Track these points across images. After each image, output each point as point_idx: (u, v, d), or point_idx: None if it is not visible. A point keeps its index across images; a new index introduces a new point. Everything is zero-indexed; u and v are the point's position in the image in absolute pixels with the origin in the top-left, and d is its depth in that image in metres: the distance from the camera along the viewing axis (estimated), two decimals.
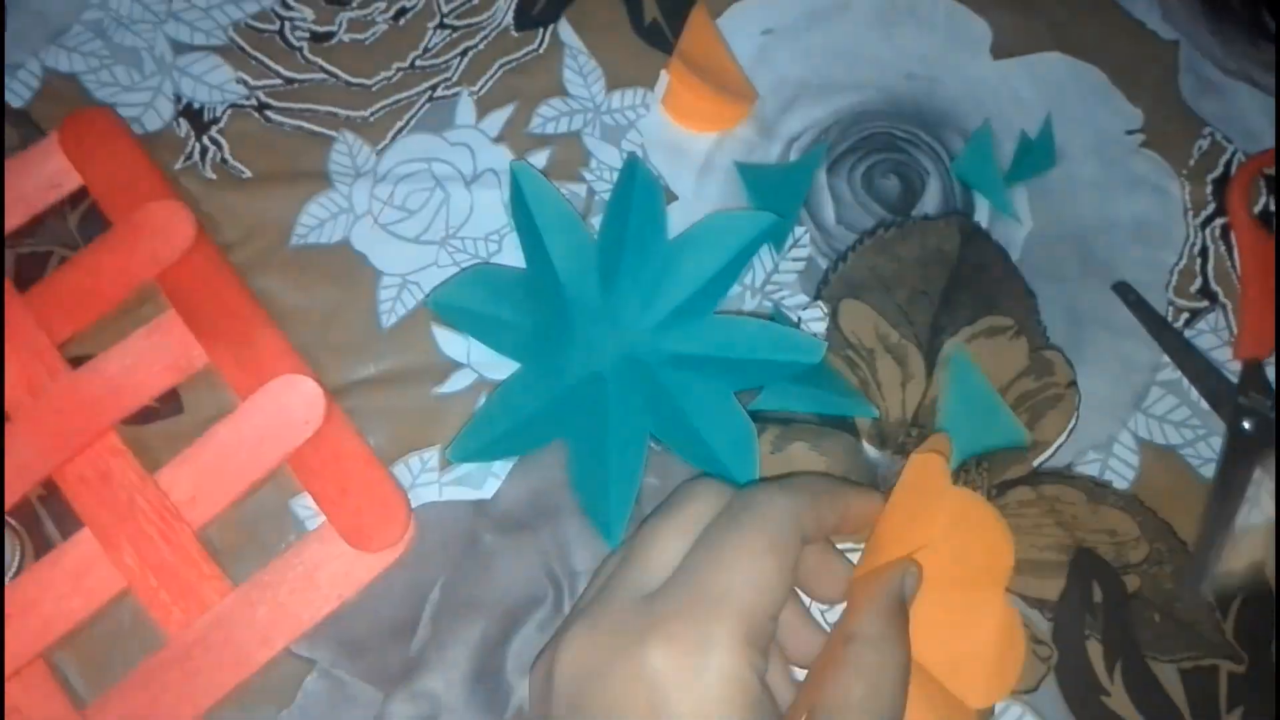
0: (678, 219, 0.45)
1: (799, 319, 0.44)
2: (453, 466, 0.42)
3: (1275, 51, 0.49)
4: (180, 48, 0.47)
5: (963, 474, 0.42)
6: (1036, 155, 0.46)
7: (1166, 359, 0.44)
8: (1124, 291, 0.45)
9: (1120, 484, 0.43)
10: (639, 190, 0.43)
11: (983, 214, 0.46)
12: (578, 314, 0.42)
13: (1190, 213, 0.47)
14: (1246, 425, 0.43)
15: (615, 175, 0.45)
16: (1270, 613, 0.42)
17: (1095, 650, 0.41)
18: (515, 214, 0.44)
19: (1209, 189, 0.48)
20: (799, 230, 0.45)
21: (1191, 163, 0.48)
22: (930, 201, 0.46)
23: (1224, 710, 0.40)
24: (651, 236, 0.43)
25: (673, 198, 0.45)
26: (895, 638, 0.33)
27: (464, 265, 0.44)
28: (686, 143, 0.46)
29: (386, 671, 0.40)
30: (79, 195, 0.44)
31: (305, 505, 0.41)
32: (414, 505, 0.41)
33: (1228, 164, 0.48)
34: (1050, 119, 0.47)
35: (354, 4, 0.48)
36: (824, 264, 0.45)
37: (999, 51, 0.49)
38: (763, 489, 0.34)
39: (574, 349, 0.42)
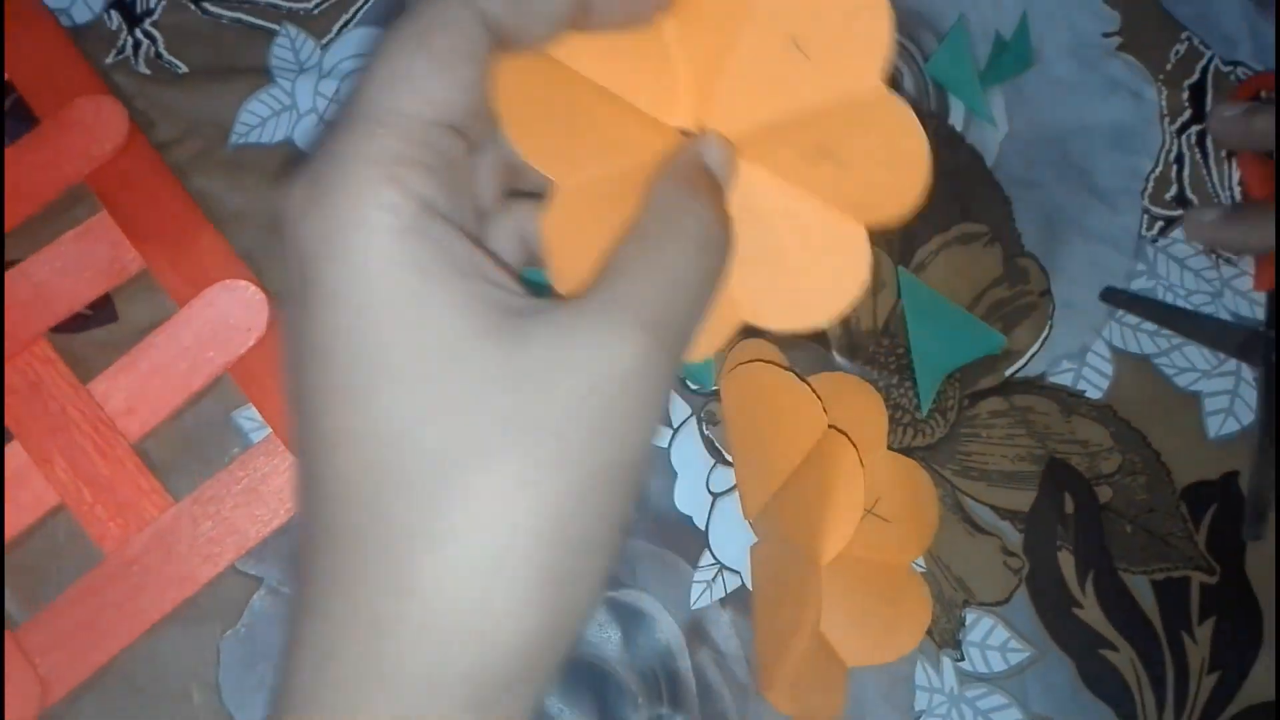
0: None
1: None
2: None
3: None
4: None
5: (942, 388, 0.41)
6: (1012, 55, 0.44)
7: (1142, 266, 0.43)
8: (1112, 296, 0.43)
9: (1094, 394, 0.42)
10: None
11: (957, 117, 0.44)
12: None
13: (1167, 118, 0.46)
14: None
15: None
16: (1237, 523, 0.41)
17: (1067, 561, 0.40)
18: None
19: (1185, 95, 0.46)
20: None
21: (1168, 67, 0.46)
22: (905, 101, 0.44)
23: (1195, 621, 0.40)
24: None
25: None
26: (712, 206, 0.25)
27: None
28: None
29: None
30: (4, 90, 0.41)
31: (249, 417, 0.39)
32: None
33: (1204, 70, 0.46)
34: (1026, 18, 0.45)
35: None
36: None
37: None
38: None
39: None
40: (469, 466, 0.21)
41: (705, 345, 0.27)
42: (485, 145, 0.26)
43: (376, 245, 0.21)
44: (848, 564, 0.37)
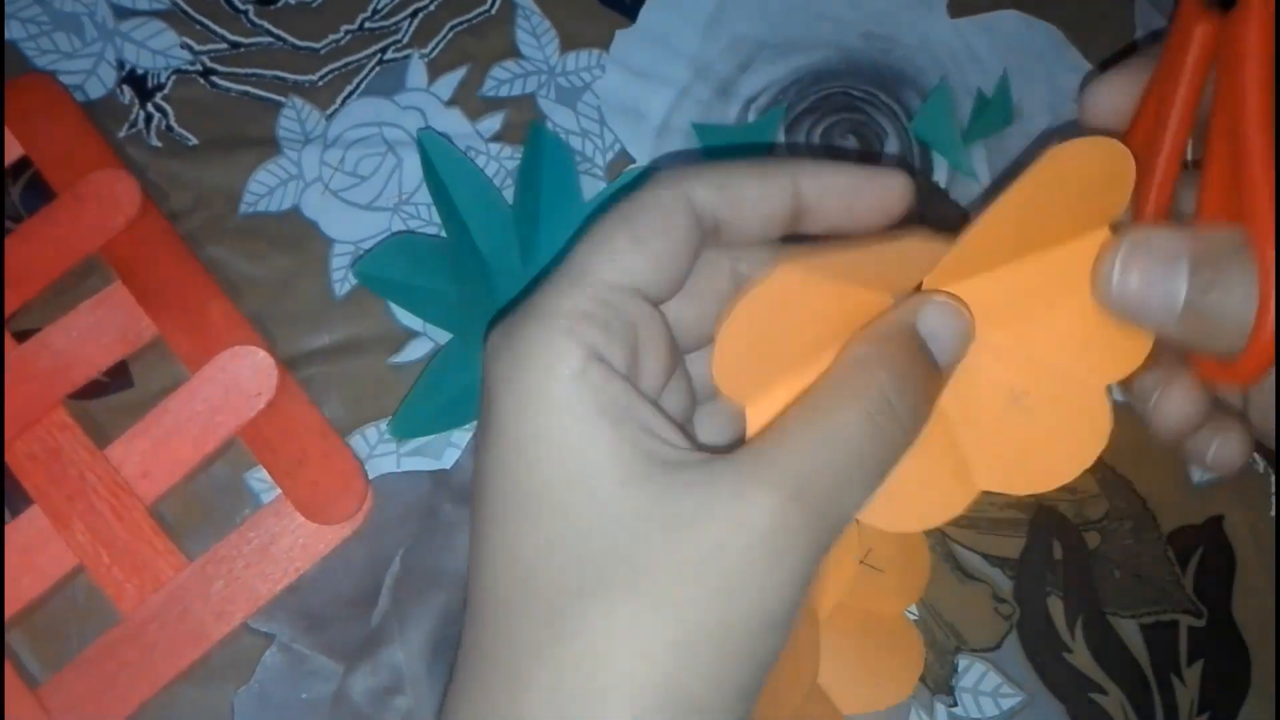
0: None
1: None
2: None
3: None
4: (122, 13, 0.45)
5: None
6: (993, 113, 0.46)
7: None
8: None
9: None
10: (546, 157, 0.43)
11: (941, 173, 0.45)
12: (501, 284, 0.42)
13: None
14: None
15: (571, 139, 0.45)
16: (1229, 567, 0.42)
17: (1056, 607, 0.41)
18: (428, 182, 0.43)
19: None
20: None
21: None
22: (889, 161, 0.45)
23: (1184, 664, 0.41)
24: (565, 202, 0.43)
25: (630, 161, 0.45)
26: (901, 370, 0.25)
27: (418, 232, 0.43)
28: (643, 104, 0.45)
29: (347, 644, 0.39)
30: (21, 166, 0.43)
31: (260, 478, 0.40)
32: (371, 476, 0.40)
33: None
34: (1007, 76, 0.46)
35: None
36: None
37: (956, 10, 0.48)
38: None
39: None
40: (584, 603, 0.22)
41: (939, 514, 0.28)
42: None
43: (541, 386, 0.23)
44: (842, 614, 0.39)
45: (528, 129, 0.44)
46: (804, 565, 0.22)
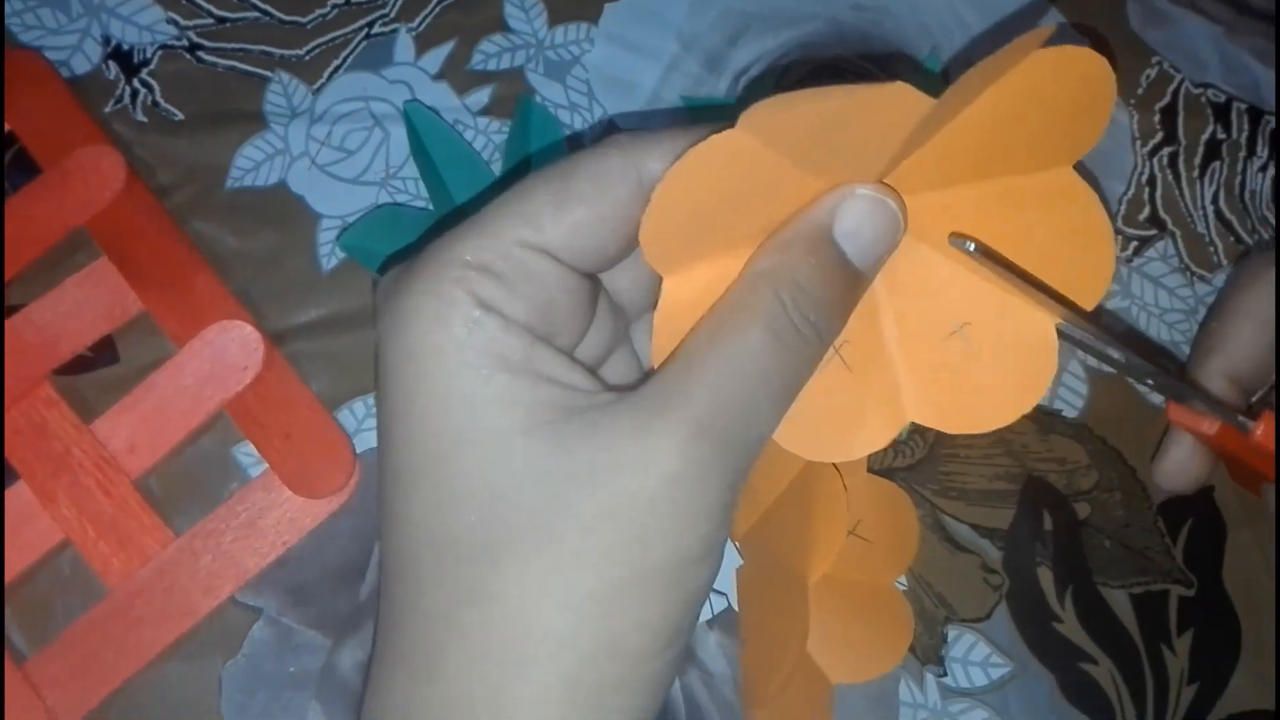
0: None
1: None
2: None
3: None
4: None
5: None
6: None
7: (1116, 286, 0.44)
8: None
9: (1070, 413, 0.43)
10: (535, 130, 0.43)
11: None
12: None
13: (1138, 142, 0.47)
14: None
15: (560, 113, 0.45)
16: (1219, 536, 0.42)
17: (1046, 577, 0.41)
18: (415, 155, 0.43)
19: (1156, 118, 0.47)
20: None
21: (1140, 92, 0.48)
22: None
23: (1174, 633, 0.41)
24: None
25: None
26: (808, 280, 0.23)
27: (404, 205, 0.43)
28: (632, 78, 0.45)
29: (335, 618, 0.39)
30: (6, 141, 0.43)
31: (247, 452, 0.40)
32: (359, 450, 0.40)
33: (1175, 92, 0.48)
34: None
35: None
36: None
37: None
38: None
39: None
40: (495, 565, 0.21)
41: (861, 444, 0.26)
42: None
43: (429, 337, 0.22)
44: (831, 585, 0.39)
45: (516, 103, 0.44)
46: (718, 498, 0.22)
